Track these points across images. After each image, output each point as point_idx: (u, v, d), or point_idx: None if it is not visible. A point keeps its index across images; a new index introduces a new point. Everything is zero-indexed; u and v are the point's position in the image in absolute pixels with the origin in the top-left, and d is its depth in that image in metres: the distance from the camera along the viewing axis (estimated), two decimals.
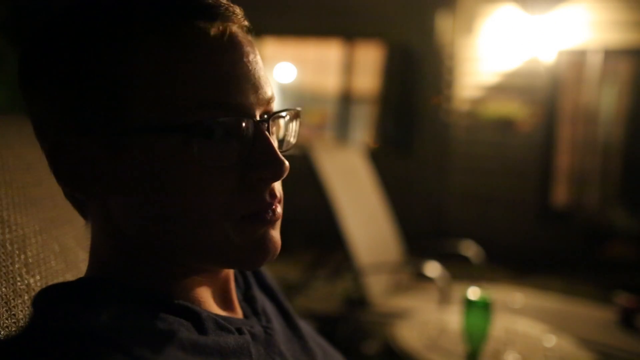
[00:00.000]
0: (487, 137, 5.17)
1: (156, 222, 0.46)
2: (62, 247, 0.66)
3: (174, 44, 0.44)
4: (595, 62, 4.81)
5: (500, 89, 5.08)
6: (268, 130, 0.47)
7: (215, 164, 0.45)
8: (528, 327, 1.78)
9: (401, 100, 5.45)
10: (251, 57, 0.47)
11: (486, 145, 5.17)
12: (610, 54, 4.77)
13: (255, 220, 0.47)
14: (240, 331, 0.49)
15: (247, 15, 0.49)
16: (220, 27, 0.45)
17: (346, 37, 5.65)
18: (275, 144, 0.49)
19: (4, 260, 0.57)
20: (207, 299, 0.51)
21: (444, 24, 5.21)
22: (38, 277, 0.60)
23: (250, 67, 0.47)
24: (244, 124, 0.46)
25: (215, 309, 0.52)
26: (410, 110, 5.43)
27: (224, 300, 0.54)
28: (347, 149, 3.25)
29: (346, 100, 5.78)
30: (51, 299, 0.45)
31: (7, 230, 0.59)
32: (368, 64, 5.66)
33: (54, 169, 0.47)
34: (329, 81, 5.86)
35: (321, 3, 5.59)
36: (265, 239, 0.48)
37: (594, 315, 2.24)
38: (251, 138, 0.46)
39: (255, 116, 0.47)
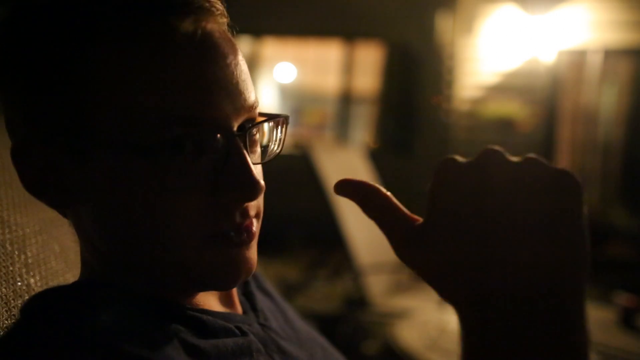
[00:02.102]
0: (487, 137, 5.16)
1: (122, 238, 0.43)
2: (62, 248, 0.66)
3: (138, 45, 0.39)
4: (595, 62, 4.81)
5: (500, 89, 5.08)
6: (245, 143, 0.43)
7: (183, 182, 0.40)
8: None
9: (401, 100, 5.45)
10: (229, 59, 0.42)
11: (486, 145, 5.17)
12: (610, 54, 4.77)
13: (224, 242, 0.43)
14: (240, 329, 0.49)
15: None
16: (192, 26, 0.40)
17: (346, 37, 5.65)
18: (254, 158, 0.45)
19: (3, 260, 0.57)
20: (205, 297, 0.50)
21: (444, 24, 5.21)
22: (38, 278, 0.60)
23: (227, 72, 0.42)
24: (216, 139, 0.41)
25: (214, 305, 0.51)
26: (410, 110, 5.43)
27: (224, 295, 0.54)
28: (347, 149, 3.25)
29: (346, 100, 5.78)
30: (46, 303, 0.44)
31: (7, 230, 0.59)
32: (368, 64, 5.66)
33: (18, 173, 0.44)
34: (329, 81, 5.86)
35: (321, 3, 5.59)
36: (237, 260, 0.44)
37: (594, 315, 2.24)
38: (225, 154, 0.41)
39: (231, 128, 0.42)
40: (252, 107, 0.44)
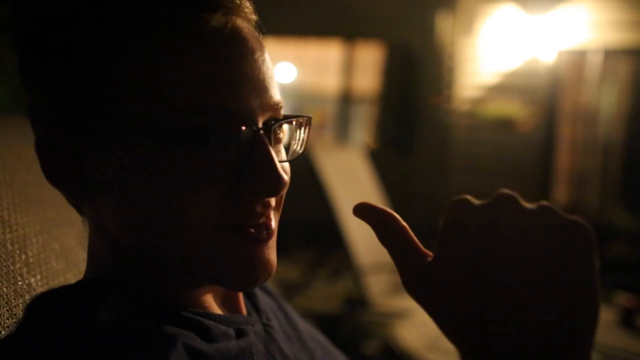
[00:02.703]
0: (487, 137, 5.17)
1: (142, 228, 0.43)
2: (63, 247, 0.66)
3: (169, 37, 0.40)
4: (595, 62, 4.81)
5: (500, 89, 5.09)
6: (270, 139, 0.43)
7: (206, 173, 0.40)
8: None
9: (401, 100, 5.45)
10: (257, 55, 0.43)
11: (486, 145, 5.17)
12: (610, 54, 4.77)
13: (244, 237, 0.43)
14: (242, 332, 0.48)
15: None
16: (222, 19, 0.41)
17: (346, 37, 5.65)
18: (279, 156, 0.45)
19: (4, 260, 0.57)
20: (209, 299, 0.50)
21: (444, 24, 5.21)
22: (39, 277, 0.60)
23: (255, 66, 0.42)
24: (242, 131, 0.41)
25: (217, 308, 0.51)
26: (410, 110, 5.43)
27: (229, 296, 0.53)
28: (347, 149, 3.25)
29: (346, 100, 5.78)
30: (50, 305, 0.43)
31: (7, 230, 0.59)
32: (368, 64, 5.66)
33: (41, 165, 0.45)
34: (329, 81, 5.86)
35: (321, 3, 5.59)
36: (258, 260, 0.44)
37: None
38: (249, 147, 0.41)
39: (256, 123, 0.42)
40: (277, 106, 0.45)
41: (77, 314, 0.41)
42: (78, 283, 0.48)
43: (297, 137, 0.48)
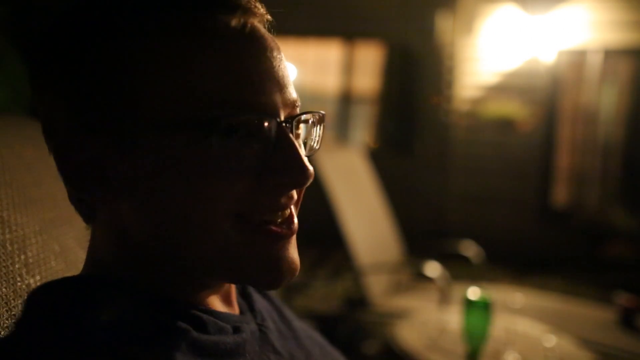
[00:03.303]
0: (487, 137, 5.17)
1: (164, 226, 0.43)
2: (62, 248, 0.66)
3: (192, 37, 0.41)
4: (595, 62, 4.81)
5: (500, 89, 5.09)
6: (292, 133, 0.44)
7: (233, 166, 0.41)
8: (528, 327, 1.78)
9: (401, 100, 5.45)
10: (275, 53, 0.44)
11: (486, 145, 5.17)
12: (610, 54, 4.77)
13: (268, 233, 0.44)
14: (237, 329, 0.49)
15: None
16: (241, 20, 0.42)
17: (346, 37, 5.65)
18: (301, 149, 0.45)
19: (4, 260, 0.57)
20: (208, 297, 0.50)
21: (444, 24, 5.21)
22: (38, 277, 0.60)
23: (275, 64, 0.44)
24: (266, 125, 0.42)
25: (216, 305, 0.51)
26: (410, 110, 5.43)
27: (225, 296, 0.54)
28: (347, 149, 3.25)
29: (346, 100, 5.78)
30: (48, 298, 0.44)
31: (7, 230, 0.59)
32: (368, 64, 5.66)
33: (60, 170, 0.45)
34: (329, 81, 5.86)
35: (321, 3, 5.59)
36: (282, 258, 0.44)
37: (594, 315, 2.24)
38: (274, 140, 0.42)
39: (279, 116, 0.43)
40: (295, 104, 0.46)
41: (77, 310, 0.41)
42: (77, 277, 0.48)
43: (314, 134, 0.49)
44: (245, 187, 0.42)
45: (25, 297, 0.46)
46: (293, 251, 0.46)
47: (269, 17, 0.46)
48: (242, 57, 0.41)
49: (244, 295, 0.58)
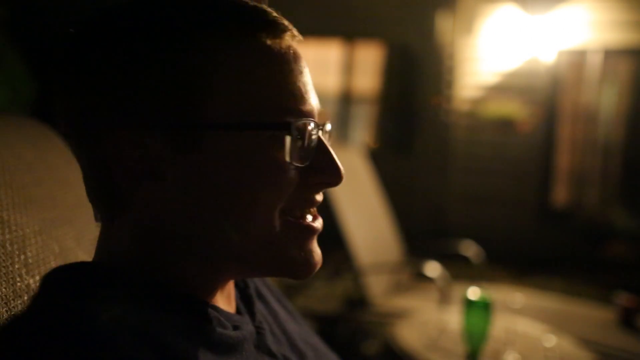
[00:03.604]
0: (487, 137, 5.17)
1: (214, 219, 0.46)
2: (61, 248, 0.66)
3: (254, 55, 0.46)
4: (595, 62, 4.81)
5: (500, 89, 5.09)
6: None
7: (292, 163, 0.46)
8: (528, 327, 1.78)
9: (401, 100, 5.45)
10: (307, 69, 0.51)
11: (486, 145, 5.18)
12: (610, 54, 4.77)
13: (303, 228, 0.49)
14: (237, 328, 0.51)
15: None
16: (288, 42, 0.49)
17: (346, 37, 5.66)
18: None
19: (3, 260, 0.57)
20: (214, 295, 0.52)
21: (444, 24, 5.21)
22: (38, 278, 0.60)
23: (309, 78, 0.51)
24: (315, 130, 0.48)
25: (219, 303, 0.53)
26: (410, 110, 5.43)
27: (227, 296, 0.56)
28: (347, 149, 3.25)
29: (346, 100, 5.78)
30: (64, 283, 0.45)
31: (7, 230, 0.59)
32: (368, 64, 5.66)
33: (113, 164, 0.46)
34: (329, 81, 5.86)
35: (321, 3, 5.59)
36: (313, 251, 0.50)
37: (594, 315, 2.24)
38: (316, 143, 0.49)
39: (316, 122, 0.50)
40: (319, 112, 0.52)
41: (95, 296, 0.42)
42: (91, 264, 0.49)
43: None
44: (293, 184, 0.47)
45: (30, 300, 0.47)
46: (317, 245, 0.51)
47: (301, 38, 0.52)
48: (292, 73, 0.48)
49: (244, 298, 0.60)
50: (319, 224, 0.51)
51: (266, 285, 0.68)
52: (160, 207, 0.47)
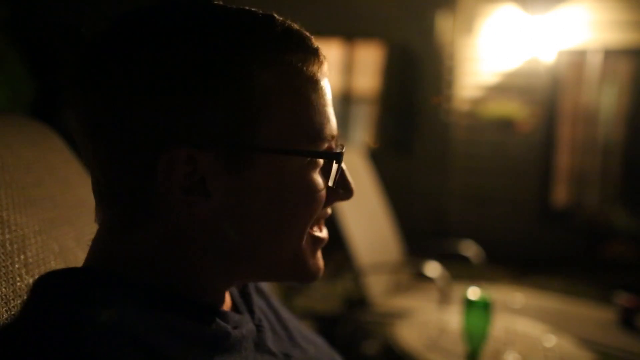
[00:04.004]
0: (487, 137, 5.17)
1: (247, 234, 0.49)
2: (61, 248, 0.66)
3: (303, 81, 0.49)
4: (595, 62, 4.81)
5: (500, 89, 5.09)
6: None
7: (320, 188, 0.51)
8: (528, 327, 1.78)
9: (401, 100, 5.45)
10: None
11: (486, 145, 5.18)
12: (610, 54, 4.77)
13: (318, 241, 0.54)
14: (235, 328, 0.51)
15: None
16: (325, 68, 0.52)
17: (346, 37, 5.66)
18: None
19: (3, 260, 0.57)
20: (213, 296, 0.53)
21: (444, 24, 5.22)
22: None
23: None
24: (341, 155, 0.52)
25: (219, 305, 0.54)
26: (410, 110, 5.43)
27: (225, 296, 0.56)
28: (347, 149, 3.25)
29: (346, 100, 5.78)
30: (56, 288, 0.45)
31: (6, 230, 0.59)
32: (368, 64, 5.66)
33: (163, 176, 0.46)
34: (329, 81, 5.86)
35: (321, 3, 5.59)
36: (321, 259, 0.55)
37: (594, 315, 2.24)
38: (340, 165, 0.52)
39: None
40: None
41: (92, 301, 0.42)
42: (83, 269, 0.49)
43: None
44: (322, 204, 0.52)
45: (36, 280, 0.47)
46: None
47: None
48: (327, 99, 0.52)
49: (243, 295, 0.60)
50: (326, 234, 0.55)
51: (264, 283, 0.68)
52: (197, 221, 0.48)
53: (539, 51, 4.90)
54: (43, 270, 0.61)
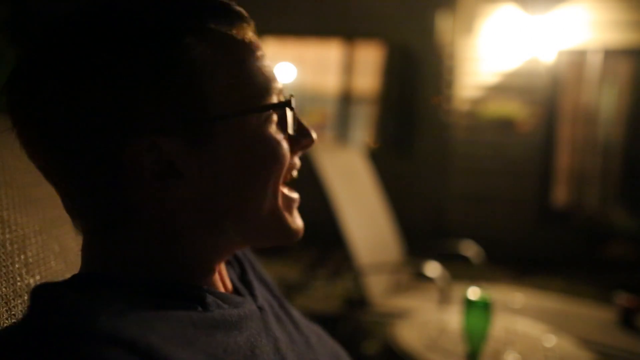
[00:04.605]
0: (487, 137, 5.17)
1: (227, 200, 0.50)
2: (62, 248, 0.66)
3: (236, 47, 0.51)
4: (595, 62, 4.81)
5: (500, 89, 5.09)
6: None
7: (286, 135, 0.53)
8: (528, 327, 1.78)
9: (401, 100, 5.45)
10: None
11: (486, 145, 5.18)
12: (610, 54, 4.77)
13: (291, 200, 0.55)
14: (237, 307, 0.52)
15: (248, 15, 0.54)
16: (253, 31, 0.54)
17: (346, 37, 5.66)
18: None
19: (4, 260, 0.57)
20: (211, 279, 0.54)
21: (444, 24, 5.21)
22: (38, 277, 0.60)
23: None
24: (290, 102, 0.53)
25: (219, 287, 0.55)
26: (410, 110, 5.43)
27: (221, 279, 0.57)
28: (347, 149, 3.26)
29: (346, 100, 5.78)
30: (52, 295, 0.44)
31: (7, 230, 0.59)
32: (368, 64, 5.66)
33: (134, 171, 0.46)
34: (329, 81, 5.87)
35: (321, 3, 5.59)
36: (298, 219, 0.57)
37: (594, 315, 2.24)
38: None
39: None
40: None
41: (82, 306, 0.41)
42: (76, 276, 0.49)
43: None
44: (289, 151, 0.53)
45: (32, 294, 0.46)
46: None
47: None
48: (263, 57, 0.53)
49: (244, 282, 0.61)
50: (297, 196, 0.57)
51: (264, 272, 0.70)
52: (178, 202, 0.49)
53: (539, 51, 4.90)
54: (43, 270, 0.61)
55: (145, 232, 0.49)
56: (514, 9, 4.94)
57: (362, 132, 5.96)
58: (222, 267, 0.59)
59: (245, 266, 0.65)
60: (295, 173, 0.57)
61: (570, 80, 5.00)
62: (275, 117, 0.52)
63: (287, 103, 0.53)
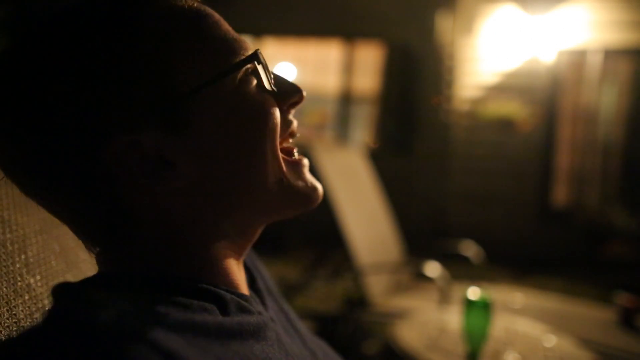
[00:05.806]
0: (487, 137, 5.17)
1: (237, 177, 0.48)
2: (62, 247, 0.66)
3: (184, 13, 0.48)
4: (595, 62, 4.81)
5: (500, 89, 5.09)
6: None
7: (269, 90, 0.50)
8: (528, 327, 1.78)
9: (401, 100, 5.45)
10: None
11: (486, 145, 5.18)
12: (610, 54, 4.77)
13: (299, 163, 0.53)
14: (254, 313, 0.51)
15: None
16: (198, 1, 0.52)
17: (346, 37, 5.66)
18: None
19: (4, 260, 0.57)
20: (230, 281, 0.52)
21: (444, 24, 5.22)
22: (38, 277, 0.60)
23: None
24: (256, 54, 0.50)
25: (241, 288, 0.53)
26: (410, 110, 5.43)
27: (243, 283, 0.55)
28: (347, 149, 3.26)
29: (346, 100, 5.79)
30: (75, 293, 0.44)
31: (7, 230, 0.59)
32: (368, 64, 5.66)
33: (126, 172, 0.45)
34: (329, 81, 5.87)
35: (321, 3, 5.59)
36: (313, 180, 0.54)
37: (594, 315, 2.24)
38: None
39: None
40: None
41: (99, 305, 0.41)
42: (94, 277, 0.49)
43: None
44: (277, 110, 0.50)
45: (31, 299, 0.46)
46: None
47: None
48: (222, 21, 0.51)
49: (254, 290, 0.59)
50: (306, 161, 0.55)
51: (273, 283, 0.68)
52: (179, 194, 0.47)
53: (539, 51, 4.90)
54: (44, 269, 0.61)
55: (153, 231, 0.48)
56: (514, 9, 4.95)
57: (362, 132, 5.97)
58: (241, 267, 0.56)
59: (255, 275, 0.63)
60: (295, 134, 0.54)
61: (570, 80, 5.00)
62: (253, 78, 0.49)
63: (254, 56, 0.49)
